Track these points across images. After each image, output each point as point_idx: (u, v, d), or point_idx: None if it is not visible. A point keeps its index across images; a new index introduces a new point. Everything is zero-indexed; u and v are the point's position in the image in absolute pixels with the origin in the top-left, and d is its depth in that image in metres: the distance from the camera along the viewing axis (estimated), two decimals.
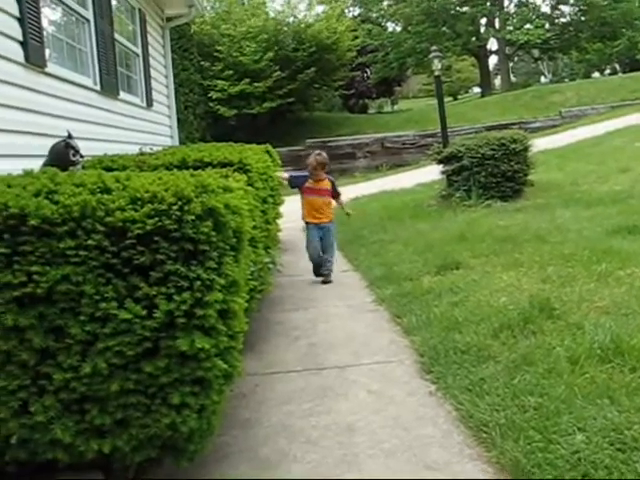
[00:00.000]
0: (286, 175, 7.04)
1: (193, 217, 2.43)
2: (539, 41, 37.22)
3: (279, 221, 6.65)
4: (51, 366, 2.43)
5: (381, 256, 7.52)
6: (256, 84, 22.94)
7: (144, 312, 2.40)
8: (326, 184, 7.11)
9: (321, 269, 6.89)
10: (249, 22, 24.21)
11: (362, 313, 5.53)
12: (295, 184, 7.10)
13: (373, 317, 5.42)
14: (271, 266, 5.20)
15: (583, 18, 38.48)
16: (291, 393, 3.88)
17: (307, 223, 7.07)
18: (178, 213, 2.43)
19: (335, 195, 7.21)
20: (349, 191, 14.74)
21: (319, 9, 27.38)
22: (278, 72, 23.08)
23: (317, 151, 7.19)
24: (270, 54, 23.14)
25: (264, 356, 4.60)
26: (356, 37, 27.78)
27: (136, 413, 2.50)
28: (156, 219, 2.41)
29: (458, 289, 5.56)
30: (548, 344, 4.04)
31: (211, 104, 22.69)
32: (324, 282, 6.81)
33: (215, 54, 23.39)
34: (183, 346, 2.42)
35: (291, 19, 25.71)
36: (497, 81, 50.49)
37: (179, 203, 2.45)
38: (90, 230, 2.40)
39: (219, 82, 22.86)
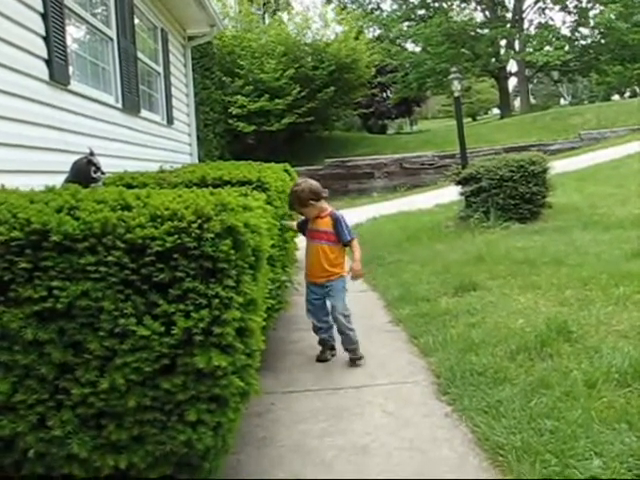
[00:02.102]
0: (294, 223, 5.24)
1: (212, 235, 2.45)
2: (559, 62, 37.15)
3: (297, 239, 6.67)
4: (69, 381, 2.45)
5: (399, 276, 7.51)
6: (277, 100, 23.08)
7: (162, 329, 2.41)
8: (324, 223, 4.84)
9: (342, 342, 4.90)
10: (270, 32, 24.42)
11: (379, 333, 5.53)
12: (300, 228, 5.12)
13: (390, 337, 5.41)
14: (288, 284, 5.23)
15: (603, 41, 38.40)
16: (306, 412, 3.87)
17: (306, 282, 5.01)
18: (198, 231, 2.45)
19: (341, 238, 4.83)
20: (367, 211, 14.78)
21: (337, 29, 27.54)
22: (298, 89, 23.21)
23: (299, 180, 5.10)
24: (290, 71, 23.29)
25: (280, 375, 4.60)
26: (374, 54, 27.91)
27: (152, 429, 2.51)
28: (176, 237, 2.43)
29: (475, 310, 5.55)
30: (565, 367, 4.02)
31: (230, 120, 22.81)
32: (352, 361, 4.77)
33: (236, 70, 23.59)
34: (200, 363, 2.43)
35: (309, 35, 25.86)
36: (516, 103, 50.43)
37: (199, 221, 2.47)
38: (110, 246, 2.42)
39: (239, 98, 23.01)
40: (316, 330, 4.95)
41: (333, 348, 4.95)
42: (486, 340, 4.73)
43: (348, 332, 4.81)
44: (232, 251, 2.50)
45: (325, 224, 4.83)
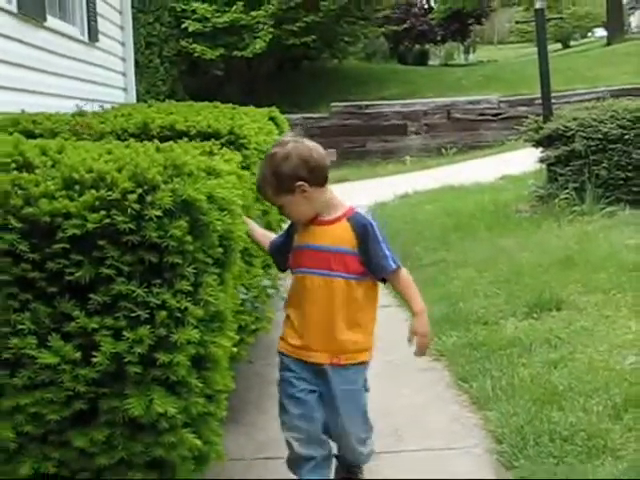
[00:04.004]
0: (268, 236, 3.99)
1: (159, 213, 2.45)
2: None
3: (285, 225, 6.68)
4: None
5: (442, 286, 7.52)
6: (253, 13, 22.89)
7: (78, 355, 2.42)
8: (336, 234, 3.51)
9: (341, 459, 3.85)
10: None
11: (409, 373, 5.54)
12: (276, 252, 3.82)
13: (426, 379, 5.42)
14: (271, 291, 5.21)
15: None
16: None
17: (281, 355, 3.67)
18: (136, 206, 2.45)
19: (376, 267, 3.52)
20: (395, 184, 14.78)
21: None
22: None
23: (276, 141, 3.97)
24: None
25: (255, 432, 4.62)
26: None
27: None
28: (102, 213, 2.44)
29: (559, 341, 5.56)
30: None
31: (185, 42, 22.64)
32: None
33: None
34: (135, 409, 2.43)
35: None
36: (633, 20, 50.39)
37: (139, 190, 2.48)
38: (0, 226, 2.43)
39: (199, 6, 22.85)
40: (299, 460, 3.60)
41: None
42: (575, 387, 4.74)
43: (362, 458, 3.82)
44: (188, 238, 2.50)
45: (338, 236, 3.49)
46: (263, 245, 3.88)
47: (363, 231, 3.46)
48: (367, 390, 3.69)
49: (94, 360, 2.42)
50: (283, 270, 3.82)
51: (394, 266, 3.50)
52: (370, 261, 3.47)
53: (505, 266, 7.85)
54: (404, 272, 3.59)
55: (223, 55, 23.08)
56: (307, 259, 3.52)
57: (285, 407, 3.55)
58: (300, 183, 3.39)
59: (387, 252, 3.49)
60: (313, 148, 3.52)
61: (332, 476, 3.68)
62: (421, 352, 3.66)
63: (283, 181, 3.42)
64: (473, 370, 5.30)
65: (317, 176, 3.46)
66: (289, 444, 3.57)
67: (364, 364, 3.61)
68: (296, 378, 3.52)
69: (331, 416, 3.54)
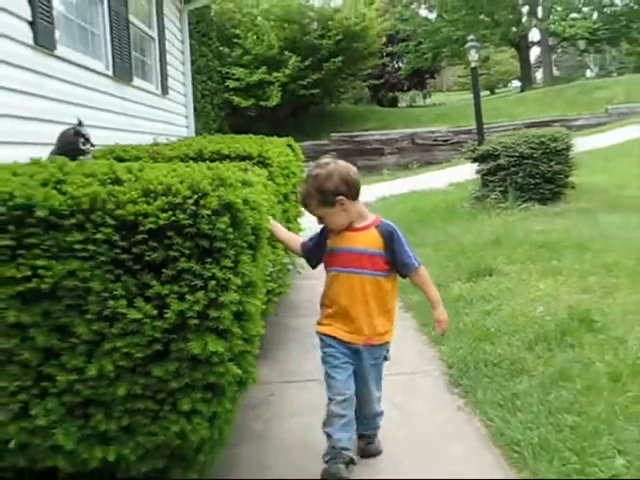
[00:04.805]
0: (299, 240, 3.49)
1: (209, 212, 2.44)
2: (586, 34, 36.93)
3: (300, 220, 6.66)
4: (54, 367, 2.45)
5: None
6: (275, 74, 22.98)
7: (155, 312, 2.41)
8: (367, 239, 3.21)
9: (359, 428, 3.31)
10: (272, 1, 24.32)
11: None
12: (310, 253, 3.38)
13: (399, 325, 5.39)
14: (290, 267, 5.21)
15: (636, 7, 38.08)
16: (307, 404, 3.87)
17: (322, 336, 3.29)
18: (193, 207, 2.44)
19: (401, 265, 3.24)
20: (376, 190, 14.74)
21: None
22: (295, 58, 23.09)
23: (316, 163, 3.29)
24: (284, 34, 23.18)
25: (279, 363, 4.62)
26: (385, 21, 27.76)
27: (143, 419, 2.51)
28: (170, 213, 2.43)
29: (491, 297, 5.55)
30: (587, 359, 4.03)
31: (227, 94, 22.76)
32: (365, 454, 3.37)
33: (234, 39, 23.48)
34: (195, 349, 2.43)
35: (316, 1, 25.69)
36: (538, 74, 50.17)
37: (194, 197, 2.47)
38: (99, 223, 2.42)
39: (237, 70, 22.94)
40: (335, 418, 3.12)
41: (352, 462, 3.09)
42: (502, 329, 4.73)
43: (377, 418, 3.43)
44: (230, 229, 2.49)
45: (369, 240, 3.20)
46: (288, 244, 3.47)
47: (389, 236, 3.18)
48: (387, 359, 3.35)
49: (166, 315, 2.41)
50: (314, 267, 3.38)
51: (417, 264, 3.23)
52: (396, 260, 3.18)
53: (453, 245, 7.83)
54: (423, 269, 3.28)
55: (253, 104, 23.16)
56: (343, 260, 3.18)
57: (331, 374, 3.18)
58: (340, 198, 3.11)
59: (410, 252, 3.22)
60: (350, 168, 3.22)
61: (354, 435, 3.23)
62: (443, 332, 3.39)
63: (326, 196, 3.12)
64: (431, 319, 5.28)
65: (353, 191, 3.18)
66: (330, 403, 3.15)
67: (389, 343, 3.30)
68: (339, 352, 3.19)
69: (360, 383, 3.23)
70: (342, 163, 3.22)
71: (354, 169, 3.24)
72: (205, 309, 2.43)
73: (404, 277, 3.29)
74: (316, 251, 3.31)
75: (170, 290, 2.43)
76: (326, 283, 3.29)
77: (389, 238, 3.18)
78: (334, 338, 3.21)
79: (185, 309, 2.41)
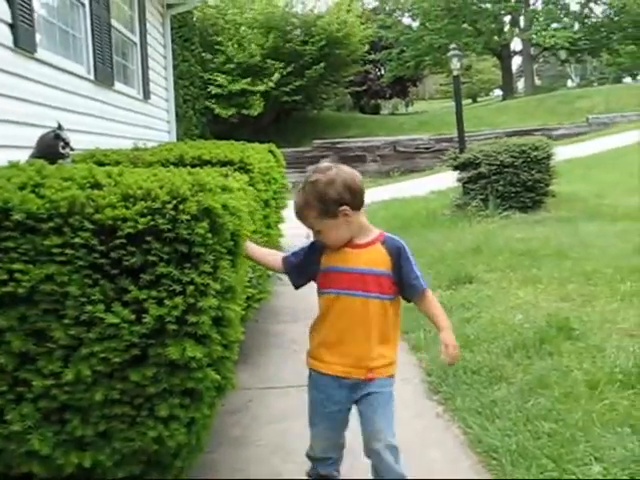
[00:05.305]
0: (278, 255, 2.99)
1: (188, 217, 2.44)
2: (566, 44, 37.27)
3: (281, 226, 6.66)
4: (31, 372, 2.43)
5: None
6: (259, 85, 22.97)
7: (133, 317, 2.40)
8: (372, 257, 2.76)
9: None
10: (256, 7, 24.32)
11: None
12: (295, 270, 2.89)
13: None
14: (271, 273, 5.21)
15: (616, 18, 38.49)
16: (287, 410, 3.87)
17: (313, 373, 2.86)
18: (172, 212, 2.44)
19: (408, 287, 2.79)
20: None
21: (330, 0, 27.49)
22: (281, 68, 23.12)
23: (314, 167, 2.80)
24: (269, 43, 23.20)
25: (259, 369, 4.61)
26: (368, 28, 27.87)
27: (120, 425, 2.50)
28: (149, 218, 2.42)
29: (470, 305, 5.57)
30: (565, 366, 4.05)
31: (209, 101, 22.69)
32: None
33: (217, 46, 23.46)
34: (173, 354, 2.42)
35: (299, 7, 25.75)
36: (520, 84, 50.57)
37: (174, 202, 2.46)
38: (78, 227, 2.41)
39: (220, 76, 22.89)
40: (317, 460, 2.92)
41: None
42: (481, 336, 4.75)
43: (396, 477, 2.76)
44: (209, 234, 2.49)
45: (375, 258, 2.74)
46: (266, 262, 3.03)
47: (398, 253, 2.74)
48: (392, 399, 2.85)
49: (144, 320, 2.40)
50: (298, 287, 2.89)
51: (424, 286, 2.79)
52: (402, 281, 2.73)
53: (434, 253, 7.85)
54: (430, 292, 2.83)
55: (235, 113, 23.11)
56: (343, 281, 2.70)
57: (314, 421, 2.84)
58: (344, 208, 2.65)
59: (418, 273, 2.78)
60: (354, 174, 2.75)
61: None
62: (454, 361, 2.82)
63: (328, 206, 2.65)
64: (411, 326, 5.28)
65: (358, 200, 2.73)
66: (312, 447, 2.89)
67: (393, 377, 2.83)
68: (326, 399, 2.76)
69: (364, 420, 2.76)
70: (345, 168, 2.76)
71: (359, 175, 2.78)
72: (184, 314, 2.43)
73: (408, 301, 2.84)
74: (303, 269, 2.82)
75: (148, 295, 2.42)
76: (320, 307, 2.81)
77: (397, 255, 2.74)
78: (325, 375, 2.75)
79: (164, 314, 2.40)
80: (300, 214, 2.75)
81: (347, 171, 2.72)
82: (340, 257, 2.72)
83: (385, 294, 2.71)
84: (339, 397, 2.76)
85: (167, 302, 2.41)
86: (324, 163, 2.77)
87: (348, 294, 2.69)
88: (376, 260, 2.71)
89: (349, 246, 2.72)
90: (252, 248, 2.98)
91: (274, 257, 2.96)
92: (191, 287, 2.44)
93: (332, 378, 2.74)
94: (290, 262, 2.86)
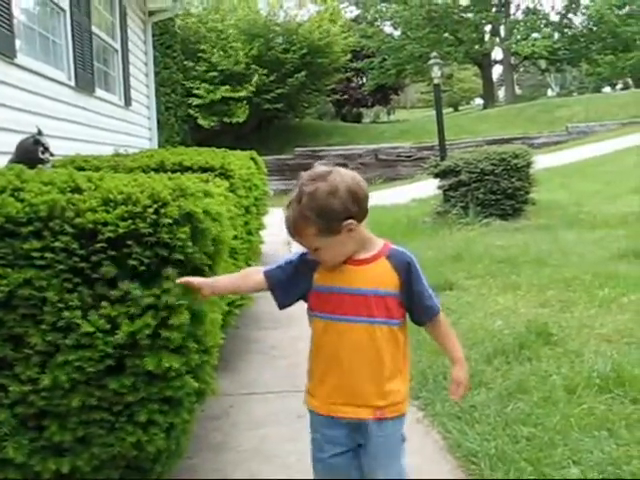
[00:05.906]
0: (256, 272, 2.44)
1: (170, 221, 2.44)
2: (545, 53, 37.59)
3: (262, 233, 6.66)
4: (7, 377, 2.41)
5: None
6: (239, 91, 22.95)
7: (108, 326, 2.39)
8: (375, 275, 2.28)
9: None
10: (237, 14, 24.31)
11: None
12: (281, 288, 2.37)
13: None
14: None
15: (595, 29, 38.86)
16: (268, 416, 3.87)
17: (313, 414, 2.42)
18: (154, 216, 2.44)
19: (420, 310, 2.34)
20: None
21: (311, 8, 27.53)
22: (260, 73, 23.12)
23: (310, 174, 2.20)
24: (253, 51, 23.20)
25: (240, 375, 4.59)
26: (350, 37, 27.94)
27: (99, 430, 2.49)
28: (130, 222, 2.42)
29: (450, 311, 5.57)
30: (544, 371, 4.08)
31: (191, 111, 22.62)
32: None
33: (200, 54, 23.43)
34: (149, 365, 2.41)
35: (282, 15, 25.73)
36: (501, 93, 50.84)
37: (155, 206, 2.46)
38: (58, 231, 2.40)
39: (201, 86, 22.84)
40: None
41: None
42: (461, 342, 4.70)
43: None
44: (190, 241, 2.49)
45: (379, 277, 2.29)
46: (240, 287, 2.56)
47: (407, 269, 2.29)
48: (404, 440, 2.38)
49: (117, 335, 2.38)
50: (283, 308, 2.38)
51: (439, 307, 2.37)
52: (413, 302, 2.29)
53: None
54: (443, 315, 2.41)
55: (216, 122, 23.05)
56: (341, 304, 2.23)
57: (315, 467, 2.40)
58: (350, 222, 2.19)
59: (430, 291, 2.35)
60: (357, 178, 2.28)
61: None
62: (461, 398, 2.53)
63: (331, 221, 2.16)
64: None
65: (364, 210, 2.28)
66: None
67: (404, 415, 2.35)
68: (326, 442, 2.34)
69: (368, 467, 2.33)
70: (346, 172, 2.26)
71: (363, 180, 2.31)
72: (156, 329, 2.42)
73: (419, 324, 2.40)
74: (292, 286, 2.34)
75: (119, 312, 2.41)
76: (313, 333, 2.36)
77: (406, 272, 2.29)
78: (325, 417, 2.33)
79: (135, 330, 2.39)
80: (294, 231, 2.24)
81: (349, 175, 2.25)
82: (338, 275, 2.26)
83: (394, 318, 2.27)
84: (339, 435, 2.33)
85: (137, 321, 2.40)
86: (320, 167, 2.26)
87: (349, 320, 2.24)
88: (381, 278, 2.27)
89: (348, 262, 2.27)
90: (216, 281, 2.51)
91: (250, 276, 2.45)
92: (163, 301, 2.42)
93: (332, 419, 2.31)
94: (275, 277, 2.35)
